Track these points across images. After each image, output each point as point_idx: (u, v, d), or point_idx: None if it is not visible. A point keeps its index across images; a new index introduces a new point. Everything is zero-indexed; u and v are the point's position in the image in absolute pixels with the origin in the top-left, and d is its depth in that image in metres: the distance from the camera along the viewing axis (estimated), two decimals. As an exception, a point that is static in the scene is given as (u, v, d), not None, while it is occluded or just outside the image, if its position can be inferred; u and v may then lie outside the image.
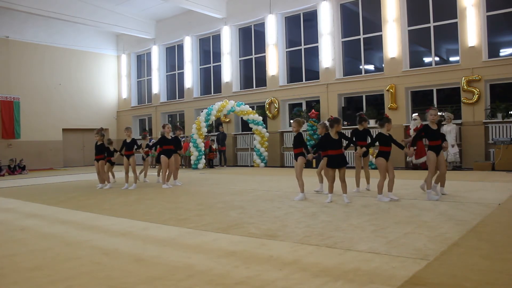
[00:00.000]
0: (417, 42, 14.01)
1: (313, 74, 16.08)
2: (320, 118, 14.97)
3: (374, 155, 7.76)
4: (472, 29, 12.22)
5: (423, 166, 11.65)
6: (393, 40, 13.73)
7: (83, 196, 8.59)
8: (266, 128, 16.45)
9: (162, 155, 9.45)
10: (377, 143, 6.65)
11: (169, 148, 9.49)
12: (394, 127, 13.33)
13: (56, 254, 3.90)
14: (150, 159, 13.79)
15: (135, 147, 9.84)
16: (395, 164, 13.22)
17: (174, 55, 21.48)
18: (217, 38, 19.16)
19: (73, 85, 21.61)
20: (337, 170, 6.53)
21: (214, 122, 17.30)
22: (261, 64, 17.57)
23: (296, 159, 7.01)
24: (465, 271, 3.01)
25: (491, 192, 7.00)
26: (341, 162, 6.48)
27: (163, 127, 9.68)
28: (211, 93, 19.43)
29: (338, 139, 6.50)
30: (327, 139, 6.61)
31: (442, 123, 11.37)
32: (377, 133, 6.92)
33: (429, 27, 13.35)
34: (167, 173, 9.68)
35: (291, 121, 6.98)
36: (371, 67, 15.36)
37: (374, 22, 14.54)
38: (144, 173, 11.48)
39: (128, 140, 9.63)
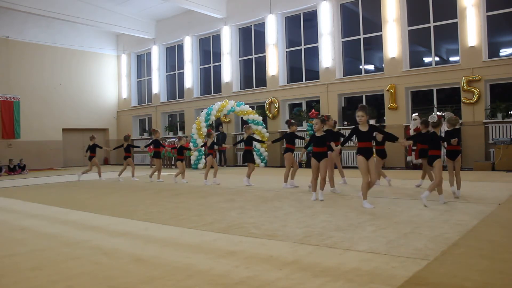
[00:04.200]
0: (417, 42, 14.01)
1: (313, 74, 16.07)
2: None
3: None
4: (472, 29, 12.22)
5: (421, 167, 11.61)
6: (393, 40, 13.72)
7: (83, 196, 8.59)
8: (266, 128, 16.44)
9: (289, 152, 8.53)
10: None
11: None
12: (394, 127, 13.40)
13: (56, 254, 3.90)
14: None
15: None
16: (395, 164, 13.25)
17: (174, 55, 21.47)
18: (217, 38, 19.15)
19: (73, 85, 21.59)
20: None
21: (214, 122, 17.29)
22: (261, 64, 17.56)
23: (367, 156, 5.88)
24: (465, 271, 3.01)
25: (491, 192, 6.99)
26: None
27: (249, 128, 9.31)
28: (211, 93, 19.43)
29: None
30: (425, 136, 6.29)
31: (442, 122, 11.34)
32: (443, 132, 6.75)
33: (429, 27, 13.35)
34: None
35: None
36: (371, 67, 15.36)
37: (374, 22, 14.53)
38: (158, 174, 11.49)
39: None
